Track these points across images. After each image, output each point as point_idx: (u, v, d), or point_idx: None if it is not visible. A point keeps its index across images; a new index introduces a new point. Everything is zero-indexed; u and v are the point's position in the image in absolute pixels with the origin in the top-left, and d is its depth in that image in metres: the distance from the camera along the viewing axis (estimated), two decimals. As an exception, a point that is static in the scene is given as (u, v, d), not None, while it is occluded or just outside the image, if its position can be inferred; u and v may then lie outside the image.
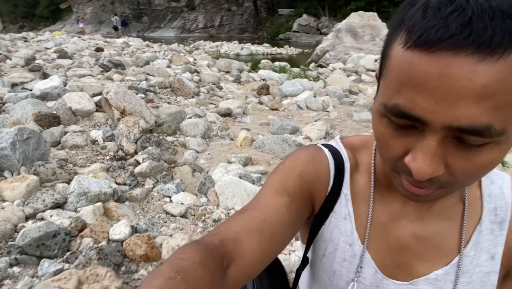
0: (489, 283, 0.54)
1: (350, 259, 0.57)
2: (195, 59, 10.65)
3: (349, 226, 0.57)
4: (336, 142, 0.62)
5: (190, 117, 3.76)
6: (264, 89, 6.45)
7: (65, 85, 4.23)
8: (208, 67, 9.82)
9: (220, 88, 6.96)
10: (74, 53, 9.04)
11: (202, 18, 48.19)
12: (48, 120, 2.96)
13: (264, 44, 25.15)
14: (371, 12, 14.74)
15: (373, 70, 10.23)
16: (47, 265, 1.69)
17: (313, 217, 0.60)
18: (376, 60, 11.01)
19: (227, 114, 4.63)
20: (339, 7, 35.23)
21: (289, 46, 24.62)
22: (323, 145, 0.62)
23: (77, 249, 1.85)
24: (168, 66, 9.18)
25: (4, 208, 2.02)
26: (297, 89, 6.22)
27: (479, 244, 0.54)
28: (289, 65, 11.66)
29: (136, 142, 2.90)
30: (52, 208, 2.09)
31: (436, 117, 0.35)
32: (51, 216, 2.00)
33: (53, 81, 4.10)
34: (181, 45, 22.31)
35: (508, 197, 0.54)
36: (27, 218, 2.02)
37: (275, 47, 23.73)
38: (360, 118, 4.88)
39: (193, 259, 0.39)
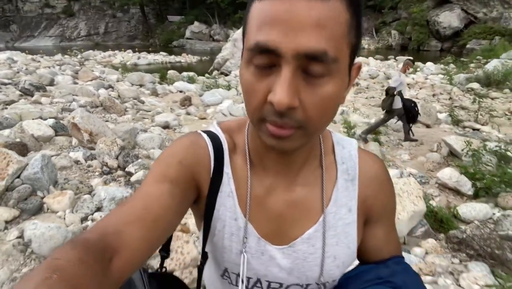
0: (351, 232, 0.62)
1: (237, 232, 0.61)
2: (103, 73, 10.48)
3: (232, 202, 0.61)
4: (214, 128, 0.65)
5: (145, 132, 4.23)
6: (187, 101, 7.06)
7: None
8: (118, 81, 9.84)
9: (142, 102, 7.30)
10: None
11: (84, 25, 44.66)
12: (18, 148, 3.13)
13: (161, 52, 24.95)
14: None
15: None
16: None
17: (204, 205, 0.62)
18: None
19: (166, 126, 5.17)
20: (228, 15, 36.94)
21: (187, 54, 24.95)
22: (203, 131, 0.65)
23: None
24: (75, 83, 8.94)
25: (60, 216, 2.51)
26: (217, 99, 7.01)
27: (338, 200, 0.62)
28: (196, 75, 12.32)
29: (117, 158, 3.32)
30: (96, 211, 2.63)
31: (287, 46, 0.42)
32: (100, 216, 2.52)
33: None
34: (66, 56, 20.79)
35: (355, 158, 0.64)
36: (81, 221, 2.55)
37: (173, 56, 23.81)
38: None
39: (69, 257, 0.39)
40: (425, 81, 10.22)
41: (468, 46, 23.51)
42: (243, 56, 0.49)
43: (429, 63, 12.74)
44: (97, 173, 3.08)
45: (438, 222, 2.84)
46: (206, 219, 0.62)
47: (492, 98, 8.20)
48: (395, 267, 0.62)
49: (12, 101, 5.24)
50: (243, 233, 0.61)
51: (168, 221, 0.53)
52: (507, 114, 6.92)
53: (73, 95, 6.09)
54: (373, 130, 5.21)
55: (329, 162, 0.63)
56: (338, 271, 0.63)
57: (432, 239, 2.58)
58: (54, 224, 2.14)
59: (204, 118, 6.14)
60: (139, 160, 3.32)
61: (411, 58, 6.55)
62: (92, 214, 2.61)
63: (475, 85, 9.03)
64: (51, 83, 8.17)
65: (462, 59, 15.23)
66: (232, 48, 15.01)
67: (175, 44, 35.96)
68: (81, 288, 0.37)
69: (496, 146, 3.90)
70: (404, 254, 2.36)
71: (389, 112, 5.02)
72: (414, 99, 5.56)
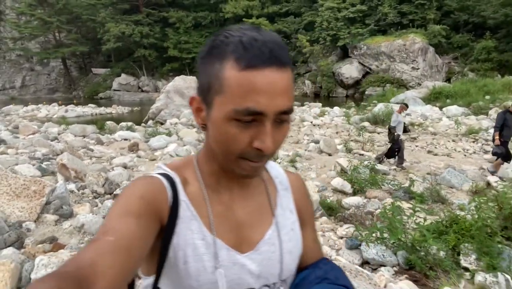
0: (296, 230, 0.77)
1: (207, 250, 0.66)
2: (42, 127, 10.92)
3: (196, 224, 0.67)
4: (162, 168, 0.73)
5: (113, 170, 5.22)
6: (135, 146, 8.11)
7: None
8: (59, 134, 10.39)
9: (92, 150, 8.14)
10: None
11: (-3, 79, 42.17)
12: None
13: (89, 104, 24.98)
14: (191, 76, 18.15)
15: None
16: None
17: (161, 240, 0.65)
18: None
19: (125, 167, 6.19)
20: (156, 67, 38.40)
21: (117, 105, 25.33)
22: (152, 173, 0.72)
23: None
24: (16, 137, 9.33)
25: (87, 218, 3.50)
26: (162, 143, 8.21)
27: (282, 204, 0.77)
28: (134, 124, 13.28)
29: (103, 186, 4.29)
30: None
31: (270, 108, 0.57)
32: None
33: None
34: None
35: (283, 173, 0.82)
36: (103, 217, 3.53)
37: (103, 107, 24.06)
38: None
39: (48, 287, 0.41)
40: (331, 122, 12.60)
41: (366, 92, 28.01)
42: (216, 114, 0.60)
43: (335, 108, 15.52)
44: (91, 197, 4.07)
45: (331, 210, 4.41)
46: (163, 251, 0.65)
47: (378, 133, 10.66)
48: (325, 267, 0.77)
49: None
50: (213, 249, 0.66)
51: (140, 248, 0.57)
52: (387, 144, 9.24)
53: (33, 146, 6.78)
54: (387, 155, 6.97)
55: (266, 177, 0.79)
56: (293, 264, 0.76)
57: (325, 217, 4.11)
58: (92, 215, 3.32)
59: (154, 159, 7.26)
60: (121, 186, 4.35)
61: (405, 102, 8.57)
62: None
63: (366, 123, 11.56)
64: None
65: (362, 103, 18.61)
66: (166, 99, 16.36)
67: (101, 96, 35.89)
68: None
69: (368, 163, 5.77)
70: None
71: (393, 142, 6.87)
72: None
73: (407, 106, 8.24)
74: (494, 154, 6.31)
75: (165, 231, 0.65)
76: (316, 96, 31.25)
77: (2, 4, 43.53)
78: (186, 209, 0.67)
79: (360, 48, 30.29)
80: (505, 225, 3.19)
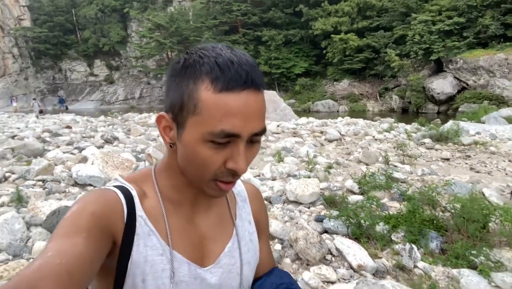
0: (254, 240, 0.81)
1: (166, 266, 0.66)
2: (147, 130, 13.90)
3: (155, 239, 0.66)
4: (118, 181, 0.71)
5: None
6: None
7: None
8: (158, 136, 13.17)
9: (177, 149, 10.46)
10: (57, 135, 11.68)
11: (122, 91, 50.72)
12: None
13: (188, 114, 28.92)
14: (271, 91, 20.13)
15: (277, 133, 14.49)
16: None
17: (118, 253, 0.63)
18: (278, 125, 15.38)
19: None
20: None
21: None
22: (109, 185, 0.70)
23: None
24: (128, 137, 12.28)
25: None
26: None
27: (241, 215, 0.80)
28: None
29: None
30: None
31: (246, 130, 0.58)
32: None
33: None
34: (109, 117, 24.92)
35: (242, 184, 0.86)
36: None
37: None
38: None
39: None
40: (393, 138, 13.06)
41: (460, 109, 26.26)
42: (190, 132, 0.60)
43: (402, 124, 15.65)
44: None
45: (332, 202, 5.55)
46: (120, 269, 0.63)
47: (436, 149, 10.89)
48: (279, 273, 0.84)
49: (101, 146, 8.46)
50: (173, 264, 0.66)
51: (83, 272, 0.53)
52: (437, 160, 9.56)
53: (136, 143, 9.30)
54: None
55: None
56: (251, 275, 0.79)
57: (321, 206, 5.29)
58: None
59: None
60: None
61: None
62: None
63: (427, 140, 11.78)
64: (115, 138, 11.56)
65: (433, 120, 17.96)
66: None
67: (199, 107, 40.48)
68: None
69: (384, 170, 6.65)
70: (304, 208, 5.10)
71: None
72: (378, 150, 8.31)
73: None
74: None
75: (120, 249, 0.63)
76: (404, 112, 30.35)
77: (129, 29, 52.61)
78: (143, 224, 0.66)
79: (456, 62, 28.56)
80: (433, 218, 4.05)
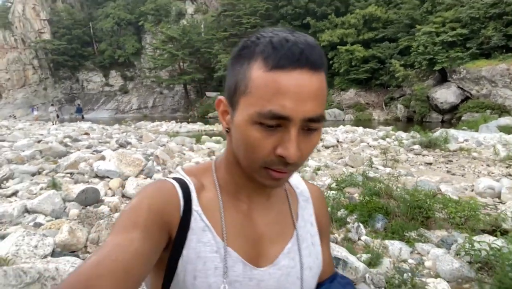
0: (317, 243, 0.75)
1: (220, 264, 0.63)
2: (157, 137, 15.06)
3: (210, 235, 0.64)
4: (179, 173, 0.70)
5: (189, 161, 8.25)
6: (211, 153, 11.22)
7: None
8: (167, 142, 14.30)
9: (184, 154, 11.52)
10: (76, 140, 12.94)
11: (135, 100, 52.49)
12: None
13: (198, 122, 30.09)
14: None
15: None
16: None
17: (169, 252, 0.62)
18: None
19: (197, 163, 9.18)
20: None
21: (219, 124, 29.71)
22: (168, 177, 0.69)
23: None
24: (140, 142, 13.45)
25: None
26: (230, 151, 11.13)
27: (303, 216, 0.75)
28: (222, 139, 16.72)
29: (175, 168, 7.32)
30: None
31: (297, 113, 0.53)
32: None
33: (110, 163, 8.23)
34: (123, 125, 26.29)
35: (304, 184, 0.80)
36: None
37: (208, 125, 28.78)
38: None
39: None
40: (385, 145, 13.88)
41: (463, 118, 26.78)
42: (241, 116, 0.57)
43: (400, 132, 16.44)
44: (166, 172, 7.02)
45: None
46: (171, 264, 0.62)
47: (423, 155, 11.69)
48: (343, 281, 0.79)
49: (116, 149, 9.59)
50: (227, 262, 0.63)
51: (139, 268, 0.54)
52: (420, 164, 10.37)
53: (146, 147, 10.42)
54: None
55: (287, 187, 0.77)
56: (313, 281, 0.72)
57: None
58: (163, 177, 6.14)
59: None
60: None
61: None
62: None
63: (416, 146, 12.58)
64: (128, 143, 12.74)
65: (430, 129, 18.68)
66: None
67: (210, 116, 41.63)
68: None
69: (363, 171, 7.55)
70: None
71: None
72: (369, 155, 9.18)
73: None
74: None
75: (174, 243, 0.62)
76: (409, 121, 30.93)
77: (144, 41, 54.64)
78: (198, 219, 0.64)
79: (459, 72, 29.18)
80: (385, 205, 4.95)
